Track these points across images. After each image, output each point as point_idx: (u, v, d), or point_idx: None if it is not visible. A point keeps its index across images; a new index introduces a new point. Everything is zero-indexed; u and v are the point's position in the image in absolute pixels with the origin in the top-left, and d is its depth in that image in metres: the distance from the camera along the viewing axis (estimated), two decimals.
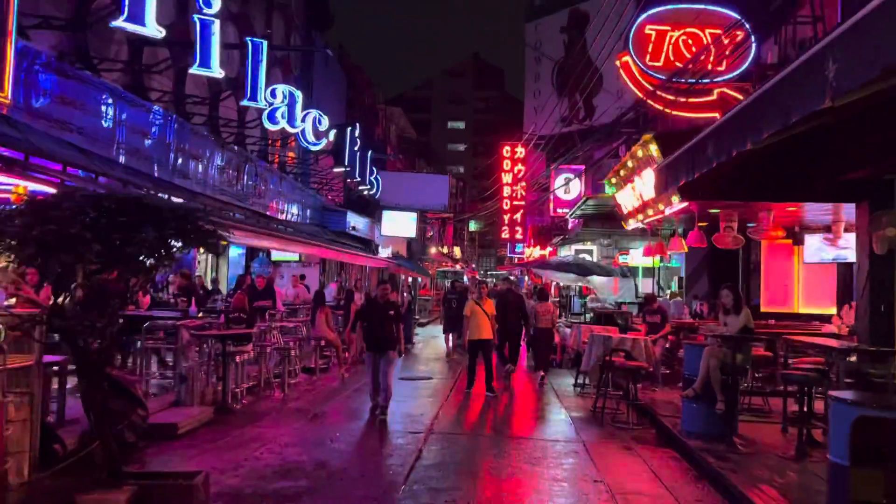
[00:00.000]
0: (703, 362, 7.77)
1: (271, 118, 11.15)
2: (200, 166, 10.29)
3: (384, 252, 24.23)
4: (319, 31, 21.45)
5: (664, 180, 7.81)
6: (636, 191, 11.30)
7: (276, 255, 20.29)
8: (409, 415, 9.67)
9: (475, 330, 11.22)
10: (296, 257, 20.67)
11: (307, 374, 13.10)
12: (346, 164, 14.78)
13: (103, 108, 7.84)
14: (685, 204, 9.47)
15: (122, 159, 8.11)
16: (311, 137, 12.28)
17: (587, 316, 19.06)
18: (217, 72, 9.21)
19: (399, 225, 24.68)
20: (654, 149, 9.43)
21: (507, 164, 33.67)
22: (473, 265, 58.63)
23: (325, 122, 12.51)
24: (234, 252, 20.67)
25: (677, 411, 9.26)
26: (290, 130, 11.34)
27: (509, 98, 79.80)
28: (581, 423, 9.55)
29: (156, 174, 8.86)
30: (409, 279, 30.80)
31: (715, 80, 11.00)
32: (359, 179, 16.43)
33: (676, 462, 7.52)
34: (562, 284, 24.33)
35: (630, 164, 11.24)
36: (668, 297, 17.65)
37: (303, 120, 12.02)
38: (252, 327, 10.55)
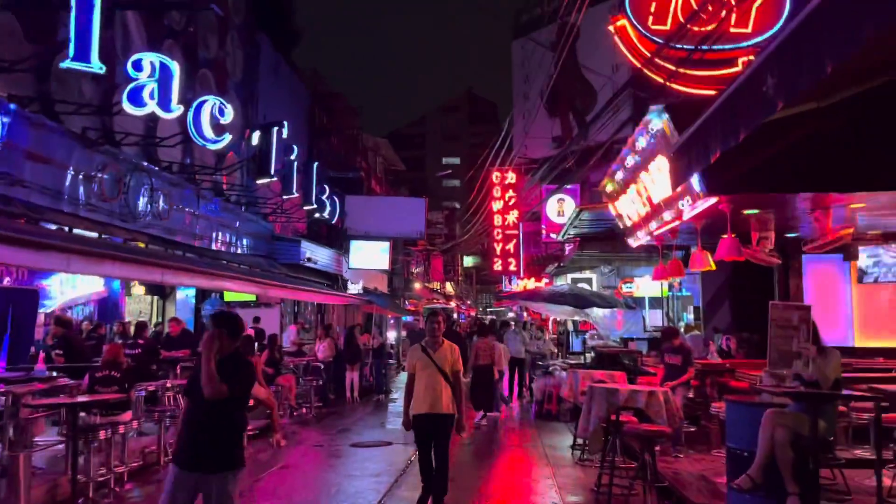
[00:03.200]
0: (762, 433, 4.99)
1: (134, 99, 8.26)
2: (49, 172, 7.58)
3: (354, 288, 21.44)
4: (282, 49, 19.05)
5: (686, 159, 5.19)
6: (643, 194, 8.63)
7: (229, 296, 17.74)
8: None
9: (421, 398, 6.40)
10: (252, 297, 18.10)
11: None
12: (272, 173, 11.99)
13: None
14: (712, 201, 6.80)
15: None
16: (207, 132, 9.47)
17: (587, 356, 16.32)
18: None
19: (369, 256, 21.79)
20: (665, 124, 6.80)
21: (497, 191, 31.11)
22: (469, 302, 55.73)
23: (229, 112, 9.66)
24: (182, 293, 18.13)
25: (714, 494, 6.50)
26: (163, 116, 8.55)
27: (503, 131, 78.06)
28: None
29: None
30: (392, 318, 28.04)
31: (738, 45, 8.41)
32: (296, 195, 13.65)
33: None
34: (559, 319, 21.57)
35: (631, 159, 8.60)
36: (682, 331, 14.89)
37: (197, 109, 9.17)
38: (130, 389, 7.79)
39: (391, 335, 27.95)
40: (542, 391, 14.02)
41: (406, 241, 30.44)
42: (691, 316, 17.00)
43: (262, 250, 15.09)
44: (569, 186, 21.81)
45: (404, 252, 31.98)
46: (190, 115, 9.19)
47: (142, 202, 9.40)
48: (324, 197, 15.09)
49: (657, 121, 6.95)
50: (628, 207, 9.50)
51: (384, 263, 22.67)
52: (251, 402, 10.63)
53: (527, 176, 29.94)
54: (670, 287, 18.12)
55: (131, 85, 8.22)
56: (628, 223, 9.79)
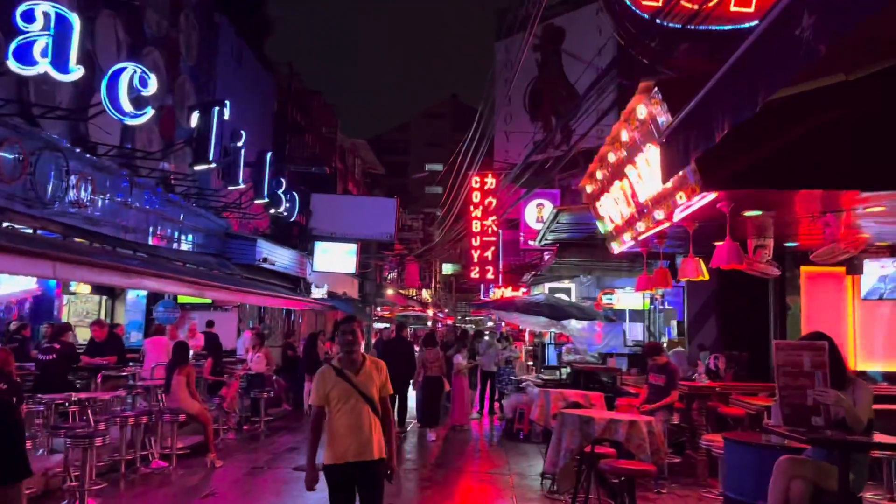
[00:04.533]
0: (775, 485, 3.94)
1: (22, 56, 7.00)
2: None
3: (318, 292, 20.22)
4: (248, 36, 17.84)
5: (683, 142, 4.20)
6: (627, 192, 7.60)
7: (182, 298, 16.57)
8: None
9: (343, 441, 4.43)
10: (208, 300, 16.96)
11: (167, 462, 9.12)
12: (210, 159, 10.74)
13: None
14: (710, 198, 5.78)
15: None
16: (125, 105, 8.23)
17: (564, 372, 15.28)
18: None
19: (335, 258, 20.57)
20: (654, 108, 5.75)
21: (476, 196, 30.12)
22: (447, 310, 54.56)
23: (153, 83, 8.42)
24: (132, 294, 16.95)
25: None
26: (58, 77, 7.29)
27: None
28: None
29: None
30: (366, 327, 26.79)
31: (739, 26, 7.43)
32: (242, 186, 12.44)
33: None
34: (535, 331, 20.52)
35: (612, 155, 7.56)
36: (665, 346, 13.87)
37: (114, 77, 7.89)
38: (20, 403, 6.61)
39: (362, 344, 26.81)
40: (513, 409, 12.98)
41: (380, 244, 29.37)
42: (675, 331, 16.03)
43: (213, 248, 13.86)
44: (548, 190, 20.85)
45: (378, 256, 30.81)
46: (104, 83, 7.99)
47: (54, 186, 8.18)
48: (280, 191, 13.93)
49: (643, 107, 5.94)
50: (611, 208, 8.47)
51: (351, 267, 21.48)
52: (182, 418, 9.51)
53: (506, 180, 29.02)
54: (652, 300, 17.15)
55: (18, 39, 6.97)
56: (610, 226, 8.76)
